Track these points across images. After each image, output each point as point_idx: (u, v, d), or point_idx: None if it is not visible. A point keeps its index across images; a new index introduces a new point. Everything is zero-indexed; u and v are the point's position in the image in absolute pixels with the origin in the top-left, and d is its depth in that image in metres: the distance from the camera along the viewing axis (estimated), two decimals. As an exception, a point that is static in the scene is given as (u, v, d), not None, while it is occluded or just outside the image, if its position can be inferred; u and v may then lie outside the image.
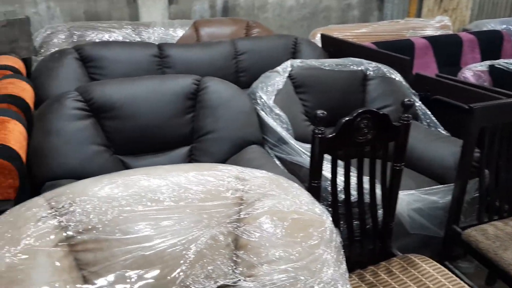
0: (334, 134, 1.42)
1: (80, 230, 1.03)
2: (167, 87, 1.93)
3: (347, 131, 1.44)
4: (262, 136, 2.04)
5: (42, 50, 3.03)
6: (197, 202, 1.12)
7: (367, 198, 1.59)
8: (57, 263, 0.98)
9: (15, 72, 2.10)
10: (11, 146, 1.31)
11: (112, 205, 1.06)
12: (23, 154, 1.37)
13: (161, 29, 3.39)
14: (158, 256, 1.04)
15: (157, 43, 2.88)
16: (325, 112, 1.40)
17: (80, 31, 3.18)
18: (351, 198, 1.56)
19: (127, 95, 1.86)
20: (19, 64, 2.26)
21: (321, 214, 1.21)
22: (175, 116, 1.91)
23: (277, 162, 1.96)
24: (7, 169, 1.24)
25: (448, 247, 1.82)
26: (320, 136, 1.40)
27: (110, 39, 3.17)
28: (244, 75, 2.93)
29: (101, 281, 1.01)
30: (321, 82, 2.24)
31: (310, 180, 1.47)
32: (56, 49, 2.89)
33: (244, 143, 1.94)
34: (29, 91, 1.88)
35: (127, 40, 3.19)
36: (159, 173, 1.16)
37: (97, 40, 3.14)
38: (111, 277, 1.02)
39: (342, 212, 1.55)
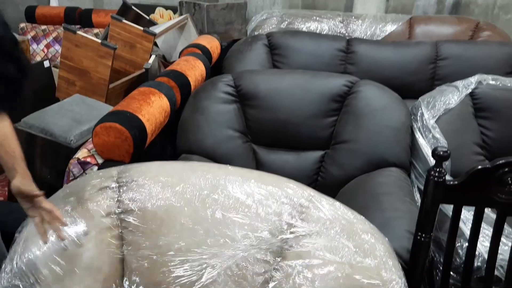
0: (456, 182, 1.06)
1: (129, 208, 1.08)
2: (315, 85, 1.82)
3: (481, 182, 1.05)
4: (411, 160, 1.70)
5: (254, 33, 3.27)
6: (237, 218, 1.02)
7: (501, 272, 1.15)
8: (102, 235, 1.06)
9: (203, 51, 2.34)
10: (138, 116, 1.48)
11: (161, 195, 1.07)
12: (150, 125, 1.53)
13: (370, 23, 3.19)
14: (178, 262, 1.01)
15: (347, 37, 2.72)
16: (448, 151, 1.05)
17: (291, 18, 3.28)
18: (476, 269, 1.15)
19: (273, 87, 1.84)
20: (212, 44, 2.50)
21: (388, 279, 0.94)
22: (316, 116, 1.79)
23: (417, 196, 1.61)
24: (124, 135, 1.41)
25: None
26: (436, 179, 1.07)
27: (315, 29, 3.17)
28: (440, 84, 2.46)
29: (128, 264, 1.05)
30: (519, 110, 1.70)
31: (416, 232, 1.15)
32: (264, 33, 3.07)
33: (383, 162, 1.66)
34: (199, 69, 2.07)
35: (332, 31, 3.14)
36: (218, 173, 1.11)
37: (304, 29, 3.20)
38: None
39: (457, 283, 1.17)
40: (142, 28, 2.32)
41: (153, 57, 2.30)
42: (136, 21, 3.02)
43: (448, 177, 1.51)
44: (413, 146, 1.70)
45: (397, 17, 3.23)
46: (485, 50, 2.47)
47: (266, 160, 1.85)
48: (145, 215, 1.05)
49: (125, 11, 3.03)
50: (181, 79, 1.88)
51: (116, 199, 1.09)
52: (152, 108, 1.58)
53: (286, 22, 3.27)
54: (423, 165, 1.64)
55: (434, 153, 1.06)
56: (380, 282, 0.92)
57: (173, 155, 1.85)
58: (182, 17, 2.83)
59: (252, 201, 1.04)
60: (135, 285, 1.05)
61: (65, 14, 3.59)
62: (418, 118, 1.71)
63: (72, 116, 1.74)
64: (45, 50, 3.52)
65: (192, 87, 1.95)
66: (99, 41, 2.01)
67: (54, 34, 3.52)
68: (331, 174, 1.76)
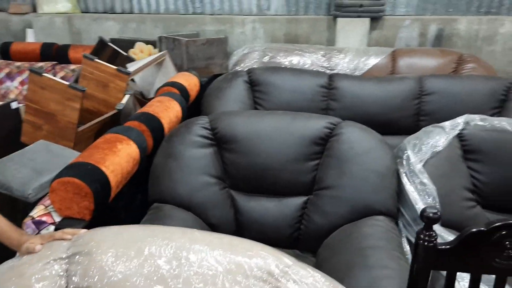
0: (448, 246, 0.95)
1: (79, 286, 0.94)
2: (296, 127, 1.72)
3: (476, 247, 0.94)
4: (398, 207, 1.59)
5: (236, 68, 3.20)
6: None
7: None
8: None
9: (180, 90, 2.24)
10: (101, 168, 1.35)
11: (116, 270, 0.94)
12: (115, 177, 1.40)
13: (353, 56, 3.14)
14: None
15: (329, 73, 2.66)
16: (438, 212, 0.94)
17: (273, 53, 3.22)
18: None
19: (251, 130, 1.73)
20: (190, 81, 2.41)
21: None
22: (297, 160, 1.68)
23: (406, 247, 1.49)
24: (83, 191, 1.28)
25: None
26: (426, 244, 0.96)
27: (298, 63, 3.11)
28: (426, 120, 2.43)
29: None
30: (510, 153, 1.61)
31: (406, 300, 1.03)
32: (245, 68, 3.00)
33: (368, 211, 1.55)
34: (174, 110, 1.96)
35: (315, 65, 3.08)
36: (182, 241, 0.98)
37: (286, 63, 3.14)
38: None
39: None
40: (115, 68, 2.22)
41: (126, 96, 2.20)
42: (113, 57, 2.94)
43: (441, 231, 1.41)
44: (400, 192, 1.60)
45: (380, 50, 3.19)
46: (471, 85, 2.42)
47: (245, 207, 1.72)
48: (95, 294, 0.92)
49: (101, 47, 2.95)
50: (153, 123, 1.76)
51: (64, 275, 0.95)
52: (118, 158, 1.46)
53: (268, 57, 3.21)
54: (411, 212, 1.53)
55: (423, 215, 0.95)
56: None
57: (143, 205, 1.72)
58: (160, 53, 2.74)
59: (219, 276, 0.91)
60: None
61: (41, 50, 3.49)
62: (404, 162, 1.62)
63: (33, 166, 1.60)
64: (20, 87, 3.39)
65: (166, 129, 1.84)
66: (67, 83, 1.90)
67: (29, 71, 3.41)
68: (314, 222, 1.64)
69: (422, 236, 0.96)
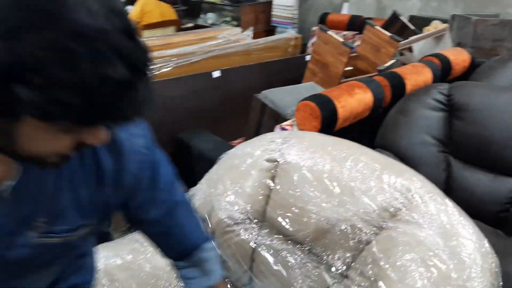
0: None
1: (282, 160, 1.39)
2: (537, 107, 1.61)
3: None
4: None
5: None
6: (350, 189, 1.18)
7: None
8: (261, 173, 1.41)
9: (443, 62, 2.33)
10: (334, 101, 1.73)
11: (302, 155, 1.33)
12: (344, 112, 1.74)
13: None
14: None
15: None
16: None
17: None
18: None
19: (485, 102, 1.74)
20: (458, 56, 2.44)
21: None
22: (527, 142, 1.60)
23: None
24: (315, 113, 1.69)
25: None
26: None
27: None
28: None
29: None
30: None
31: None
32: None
33: None
34: (423, 75, 2.11)
35: None
36: (355, 152, 1.27)
37: None
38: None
39: None
40: (389, 34, 2.51)
41: (391, 61, 2.47)
42: (401, 30, 3.21)
43: None
44: None
45: None
46: None
47: (458, 175, 1.78)
48: (288, 166, 1.33)
49: (393, 20, 3.26)
50: (395, 81, 2.00)
51: (277, 151, 1.41)
52: (352, 99, 1.81)
53: None
54: None
55: None
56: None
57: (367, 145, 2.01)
58: (439, 29, 2.84)
59: (371, 181, 1.16)
60: (272, 213, 1.34)
61: (349, 21, 4.08)
62: None
63: (298, 96, 2.13)
64: (325, 50, 4.12)
65: (408, 90, 2.04)
66: (341, 40, 2.34)
67: (334, 38, 4.08)
68: (526, 207, 1.55)
69: None
